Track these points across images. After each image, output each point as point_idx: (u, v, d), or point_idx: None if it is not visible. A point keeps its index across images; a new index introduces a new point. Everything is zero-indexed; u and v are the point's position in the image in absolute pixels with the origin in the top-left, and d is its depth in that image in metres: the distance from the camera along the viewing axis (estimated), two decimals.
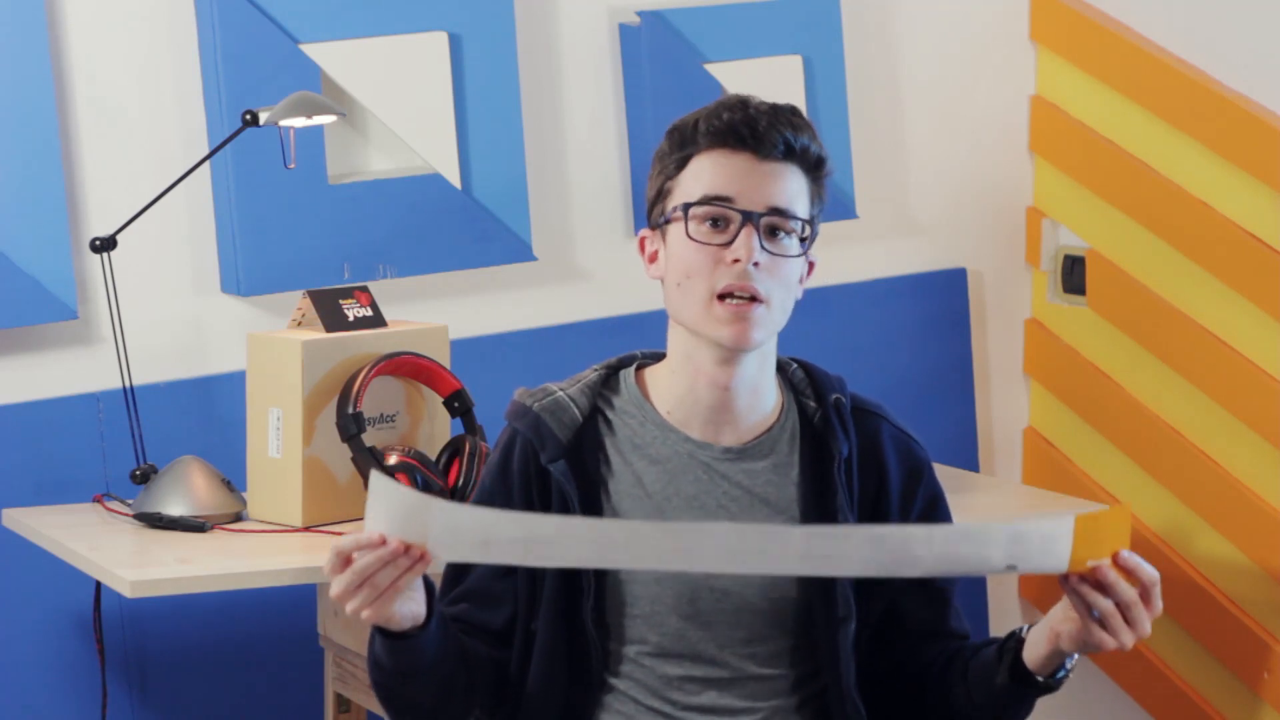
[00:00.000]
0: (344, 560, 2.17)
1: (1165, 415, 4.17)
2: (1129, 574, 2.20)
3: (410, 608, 2.25)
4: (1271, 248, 3.92)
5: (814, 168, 2.40)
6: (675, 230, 2.39)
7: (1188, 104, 4.07)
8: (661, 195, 2.42)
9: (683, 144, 2.40)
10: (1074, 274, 4.35)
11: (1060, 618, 2.27)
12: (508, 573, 2.44)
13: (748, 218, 2.35)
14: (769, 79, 4.03)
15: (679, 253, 2.38)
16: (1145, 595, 2.21)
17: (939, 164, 4.39)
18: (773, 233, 2.37)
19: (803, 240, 2.39)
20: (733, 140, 2.37)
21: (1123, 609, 2.21)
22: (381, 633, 2.29)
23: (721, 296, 2.36)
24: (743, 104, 2.39)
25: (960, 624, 2.52)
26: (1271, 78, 3.97)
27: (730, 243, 2.35)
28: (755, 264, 2.34)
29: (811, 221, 2.40)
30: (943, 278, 4.41)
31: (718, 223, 2.37)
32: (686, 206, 2.37)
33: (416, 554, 2.16)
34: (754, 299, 2.35)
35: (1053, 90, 4.38)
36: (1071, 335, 4.39)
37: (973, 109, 4.40)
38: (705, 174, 2.37)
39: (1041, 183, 4.43)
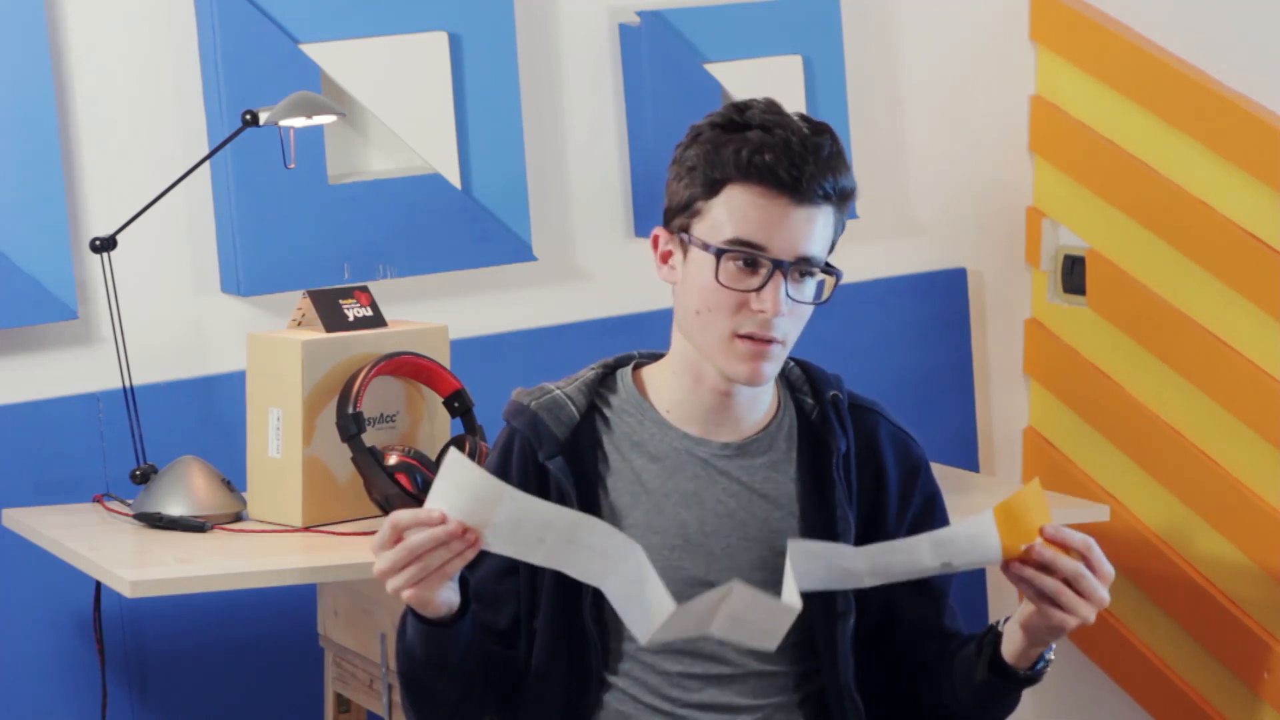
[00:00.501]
0: (396, 535, 2.18)
1: (1165, 415, 4.17)
2: (1060, 546, 2.21)
3: (448, 595, 2.26)
4: (1271, 248, 3.91)
5: (846, 199, 2.40)
6: (701, 259, 2.37)
7: (1188, 104, 4.07)
8: (689, 210, 2.38)
9: (717, 164, 2.35)
10: (1074, 274, 4.35)
11: (1022, 610, 2.30)
12: (510, 572, 2.44)
13: (778, 265, 2.35)
14: (769, 79, 4.03)
15: (703, 284, 2.36)
16: (1087, 562, 2.23)
17: (939, 164, 4.39)
18: (798, 274, 2.37)
19: (826, 271, 2.38)
20: (771, 181, 2.34)
21: (1071, 582, 2.22)
22: (419, 620, 2.29)
23: (740, 335, 2.36)
24: (785, 145, 2.33)
25: (955, 623, 2.53)
26: (1271, 78, 3.96)
27: (759, 289, 2.34)
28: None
29: (832, 249, 2.40)
30: (943, 278, 4.40)
31: (747, 262, 2.36)
32: (719, 252, 2.35)
33: (471, 539, 2.17)
34: (772, 341, 2.36)
35: (1053, 90, 4.38)
36: (1071, 335, 4.39)
37: (973, 109, 4.40)
38: (738, 211, 2.35)
39: (1041, 183, 4.43)
